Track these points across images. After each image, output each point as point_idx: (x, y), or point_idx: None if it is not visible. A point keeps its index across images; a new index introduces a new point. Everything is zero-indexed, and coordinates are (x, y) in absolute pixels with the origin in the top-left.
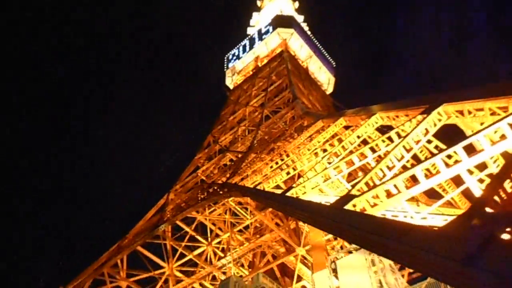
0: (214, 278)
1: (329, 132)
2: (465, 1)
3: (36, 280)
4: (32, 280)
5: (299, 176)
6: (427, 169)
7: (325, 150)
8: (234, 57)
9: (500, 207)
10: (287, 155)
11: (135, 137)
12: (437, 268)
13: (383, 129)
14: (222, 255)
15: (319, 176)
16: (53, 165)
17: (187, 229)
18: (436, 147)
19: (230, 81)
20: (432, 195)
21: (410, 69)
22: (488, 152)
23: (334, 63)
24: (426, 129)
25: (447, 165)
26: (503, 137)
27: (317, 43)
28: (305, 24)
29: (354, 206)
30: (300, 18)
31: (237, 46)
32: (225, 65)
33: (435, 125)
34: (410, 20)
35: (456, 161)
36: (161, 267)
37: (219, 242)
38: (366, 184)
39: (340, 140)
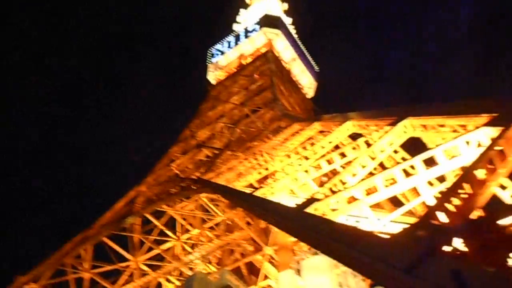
0: (181, 273)
1: (303, 135)
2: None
3: None
4: None
5: (271, 176)
6: (391, 179)
7: (297, 153)
8: (218, 52)
9: (450, 219)
10: (262, 155)
11: (111, 125)
12: (381, 275)
13: (356, 136)
14: (191, 250)
15: (288, 178)
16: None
17: (156, 222)
18: (403, 158)
19: (213, 76)
20: (399, 203)
21: (399, 78)
22: (444, 167)
23: (317, 68)
24: (391, 140)
25: (406, 174)
26: (459, 153)
27: (302, 46)
28: (293, 27)
29: (316, 210)
30: (288, 20)
31: (222, 41)
32: (208, 59)
33: (400, 136)
34: (403, 32)
35: (412, 174)
36: (127, 260)
37: (188, 238)
38: (330, 189)
39: (312, 144)
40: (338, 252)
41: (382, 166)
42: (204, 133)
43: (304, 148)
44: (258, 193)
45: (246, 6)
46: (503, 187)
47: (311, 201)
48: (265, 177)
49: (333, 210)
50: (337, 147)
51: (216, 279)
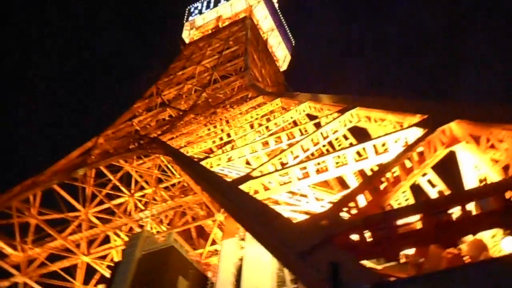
0: (131, 229)
1: (264, 109)
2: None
3: None
4: None
5: (225, 144)
6: (325, 165)
7: (257, 125)
8: (196, 11)
9: (356, 212)
10: (222, 123)
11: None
12: (282, 256)
13: (312, 117)
14: (143, 208)
15: (244, 148)
16: None
17: (110, 176)
18: (351, 144)
19: (187, 35)
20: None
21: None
22: (371, 160)
23: (293, 42)
24: (336, 127)
25: (337, 164)
26: (387, 149)
27: (281, 18)
28: None
29: (250, 187)
30: None
31: (201, 0)
32: (185, 17)
33: (345, 125)
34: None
35: (344, 164)
36: (77, 210)
37: (142, 196)
38: (274, 166)
39: (268, 120)
40: (252, 230)
41: (322, 151)
42: (171, 93)
43: (260, 122)
44: (211, 159)
45: None
46: (432, 185)
47: (246, 178)
48: (225, 144)
49: (266, 189)
50: (295, 124)
51: (162, 240)
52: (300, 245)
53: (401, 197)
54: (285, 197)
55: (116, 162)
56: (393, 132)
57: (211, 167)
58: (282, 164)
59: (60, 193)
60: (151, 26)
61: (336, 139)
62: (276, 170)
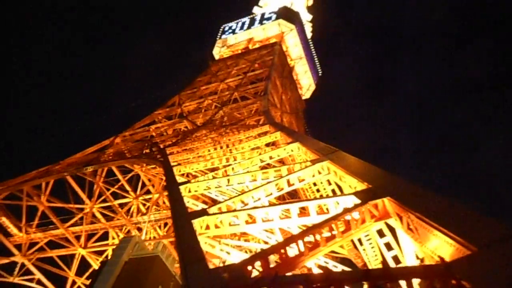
0: (128, 231)
1: (262, 140)
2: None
3: None
4: None
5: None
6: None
7: (243, 156)
8: (230, 31)
9: (262, 269)
10: (221, 147)
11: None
12: None
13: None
14: (145, 212)
15: (215, 180)
16: None
17: (119, 176)
18: (299, 197)
19: (218, 51)
20: None
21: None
22: (312, 219)
23: (320, 72)
24: (303, 176)
25: (284, 216)
26: (327, 211)
27: (312, 48)
28: (311, 24)
29: (203, 222)
30: (307, 17)
31: (237, 21)
32: (219, 35)
33: (313, 175)
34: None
35: (288, 217)
36: (83, 203)
37: (147, 200)
38: (228, 205)
39: (259, 154)
40: (180, 263)
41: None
42: (191, 105)
43: (251, 155)
44: (191, 185)
45: None
46: (389, 247)
47: (202, 213)
48: (212, 169)
49: (217, 227)
50: (281, 162)
51: (151, 247)
52: None
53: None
54: (256, 231)
55: (123, 164)
56: (335, 196)
57: (189, 191)
58: (244, 204)
59: (71, 185)
60: (186, 38)
61: (314, 184)
62: (228, 211)
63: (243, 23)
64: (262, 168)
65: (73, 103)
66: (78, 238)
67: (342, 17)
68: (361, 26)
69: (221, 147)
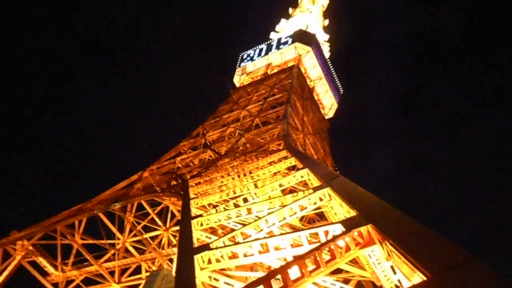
0: (160, 265)
1: (277, 167)
2: None
3: None
4: None
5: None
6: (265, 245)
7: (256, 185)
8: (248, 58)
9: None
10: (238, 175)
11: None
12: None
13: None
14: (175, 243)
15: (225, 212)
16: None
17: (149, 210)
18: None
19: (238, 79)
20: None
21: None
22: (305, 248)
23: (342, 90)
24: (306, 203)
25: (276, 246)
26: (318, 240)
27: (331, 67)
28: (328, 44)
29: (204, 257)
30: (325, 37)
31: (254, 48)
32: (238, 63)
33: (315, 203)
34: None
35: (281, 248)
36: (115, 238)
37: (177, 231)
38: (231, 238)
39: (271, 182)
40: None
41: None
42: (215, 134)
43: (264, 183)
44: (202, 218)
45: (288, 16)
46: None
47: (204, 248)
48: (224, 201)
49: (218, 261)
50: (291, 191)
51: None
52: None
53: None
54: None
55: (149, 198)
56: (325, 225)
57: (201, 225)
58: (247, 236)
59: (103, 221)
60: (209, 68)
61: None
62: (225, 246)
63: (261, 50)
64: (271, 195)
65: (99, 137)
66: (112, 273)
67: (363, 33)
68: (381, 41)
69: (238, 176)
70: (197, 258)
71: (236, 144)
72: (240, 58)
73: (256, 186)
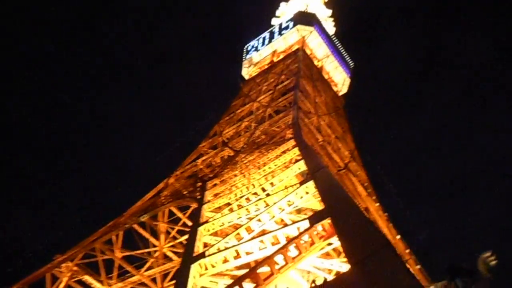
0: None
1: (281, 159)
2: None
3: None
4: (27, 248)
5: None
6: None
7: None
8: (253, 49)
9: None
10: (249, 173)
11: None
12: None
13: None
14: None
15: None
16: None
17: (179, 214)
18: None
19: (246, 72)
20: None
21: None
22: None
23: (352, 64)
24: (290, 200)
25: (261, 247)
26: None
27: (337, 42)
28: (332, 19)
29: (200, 264)
30: (327, 12)
31: (257, 38)
32: (244, 56)
33: (301, 197)
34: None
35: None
36: (153, 246)
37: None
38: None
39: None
40: None
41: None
42: (231, 131)
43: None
44: (208, 224)
45: None
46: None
47: (199, 256)
48: (228, 204)
49: (213, 266)
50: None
51: None
52: None
53: None
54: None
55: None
56: (297, 222)
57: (208, 230)
58: (240, 239)
59: (138, 231)
60: (217, 64)
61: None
62: (218, 251)
63: (264, 38)
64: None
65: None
66: (154, 280)
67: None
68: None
69: (249, 174)
70: (195, 266)
71: (251, 138)
72: (245, 50)
73: (260, 183)
